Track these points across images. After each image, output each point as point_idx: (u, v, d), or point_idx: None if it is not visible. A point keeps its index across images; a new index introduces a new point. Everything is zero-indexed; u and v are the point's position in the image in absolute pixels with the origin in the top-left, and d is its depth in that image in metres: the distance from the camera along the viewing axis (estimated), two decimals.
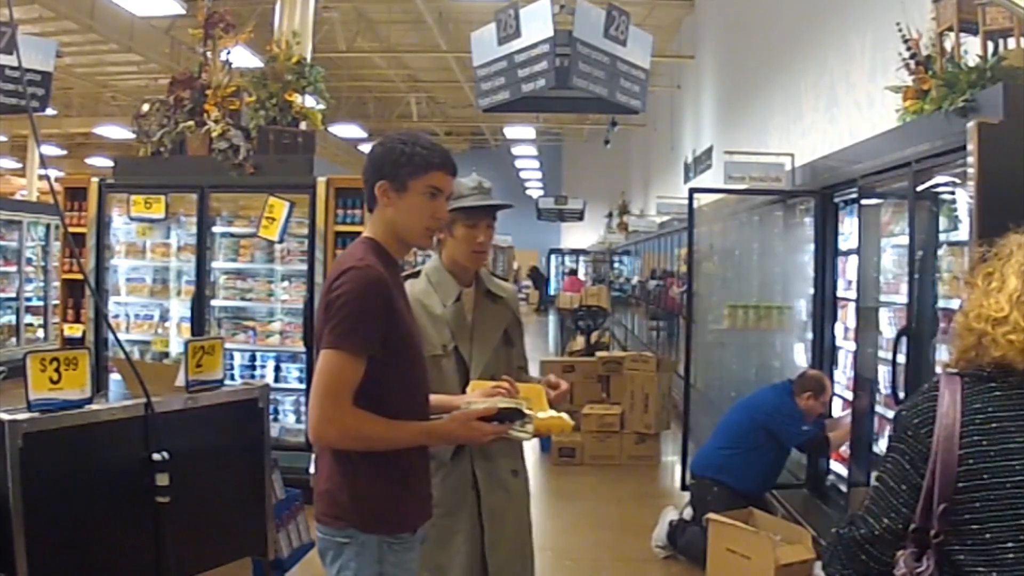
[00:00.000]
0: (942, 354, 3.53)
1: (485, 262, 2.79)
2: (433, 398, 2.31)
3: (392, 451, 2.11)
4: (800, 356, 5.58)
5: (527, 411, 2.22)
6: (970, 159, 3.06)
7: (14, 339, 10.99)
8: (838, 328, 5.00)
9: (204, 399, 3.01)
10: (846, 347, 4.89)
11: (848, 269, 4.75)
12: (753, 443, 4.72)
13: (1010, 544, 1.53)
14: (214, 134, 5.97)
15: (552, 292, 23.60)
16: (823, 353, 5.13)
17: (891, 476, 1.66)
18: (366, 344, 2.04)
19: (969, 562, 1.55)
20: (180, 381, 3.01)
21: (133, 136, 6.48)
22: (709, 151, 11.76)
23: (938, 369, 3.52)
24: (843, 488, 4.65)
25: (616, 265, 19.35)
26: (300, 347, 5.87)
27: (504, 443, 2.37)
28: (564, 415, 2.39)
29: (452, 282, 2.67)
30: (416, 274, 2.72)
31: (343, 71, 17.70)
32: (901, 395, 3.66)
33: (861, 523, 1.69)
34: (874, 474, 1.78)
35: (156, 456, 2.66)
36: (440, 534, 2.53)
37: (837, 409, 5.08)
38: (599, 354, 8.57)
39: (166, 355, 6.14)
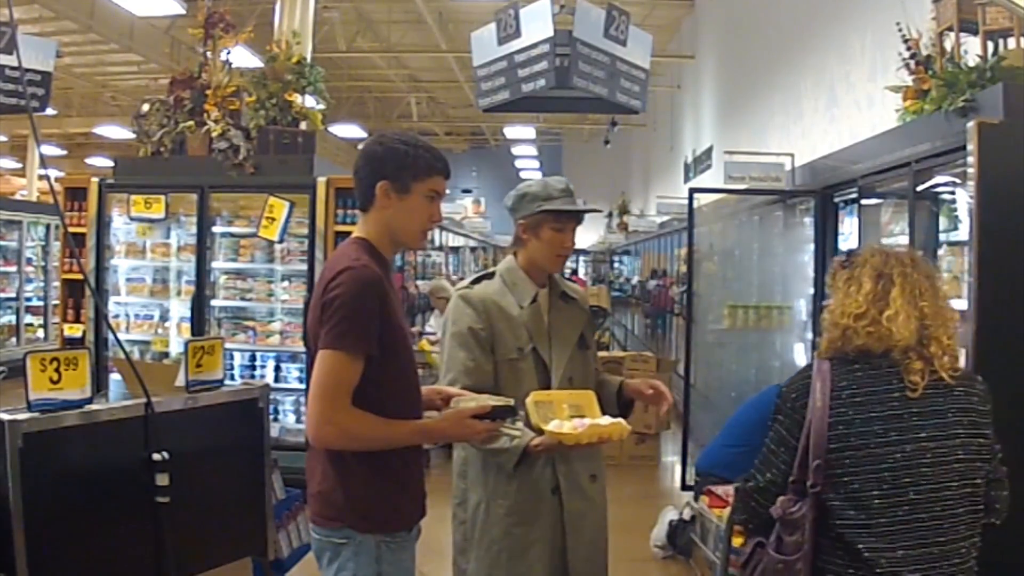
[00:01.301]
0: None
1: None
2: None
3: (386, 450, 2.11)
4: (800, 356, 5.57)
5: (521, 411, 2.23)
6: (970, 159, 3.05)
7: (14, 339, 11.00)
8: None
9: (204, 399, 3.01)
10: None
11: None
12: (762, 442, 4.71)
13: (875, 492, 1.93)
14: (214, 134, 5.97)
15: None
16: None
17: (773, 441, 2.11)
18: (364, 344, 2.04)
19: (841, 507, 1.95)
20: (180, 381, 3.01)
21: (133, 136, 6.49)
22: (709, 151, 11.76)
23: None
24: None
25: (616, 265, 19.35)
26: (300, 347, 5.86)
27: (583, 447, 2.33)
28: (622, 420, 2.35)
29: (529, 283, 2.63)
30: (490, 275, 2.68)
31: (343, 71, 17.70)
32: None
33: (751, 478, 2.13)
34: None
35: (156, 456, 2.66)
36: (515, 544, 2.50)
37: None
38: (599, 354, 8.58)
39: (166, 355, 6.14)
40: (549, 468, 2.53)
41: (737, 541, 2.70)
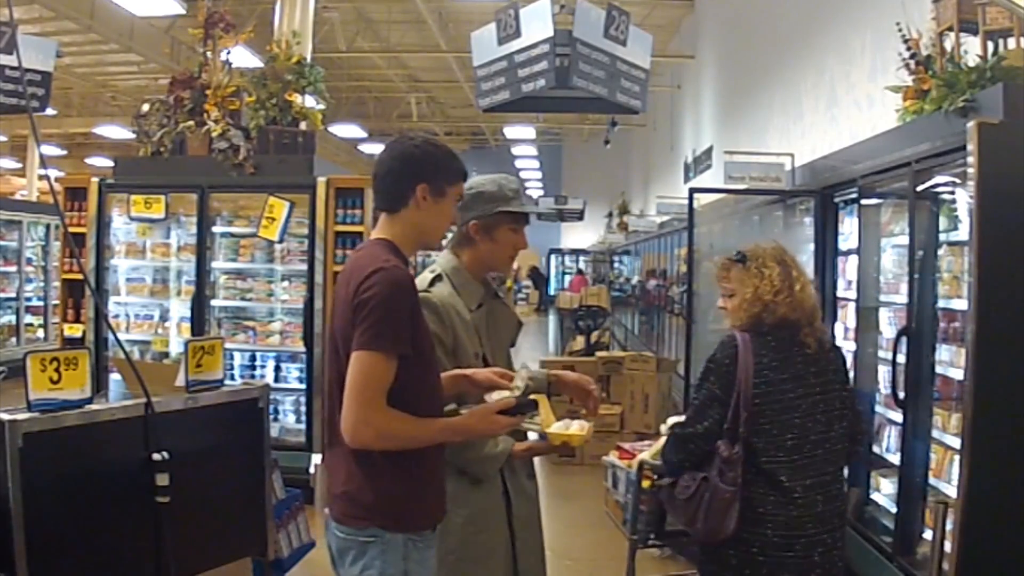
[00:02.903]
0: (942, 354, 3.53)
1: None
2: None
3: (414, 449, 2.12)
4: None
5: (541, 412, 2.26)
6: (970, 159, 3.05)
7: (14, 339, 10.98)
8: (838, 328, 4.98)
9: (204, 399, 3.01)
10: (846, 347, 4.87)
11: (848, 269, 4.74)
12: None
13: (788, 435, 2.53)
14: (214, 134, 5.97)
15: (552, 292, 23.58)
16: None
17: (707, 397, 2.60)
18: (398, 344, 2.05)
19: (763, 447, 2.53)
20: (180, 381, 3.01)
21: (133, 136, 6.48)
22: (709, 151, 11.76)
23: (939, 369, 3.54)
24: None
25: (616, 265, 19.34)
26: (300, 347, 5.86)
27: (576, 447, 2.37)
28: (583, 422, 2.34)
29: (476, 285, 2.59)
30: (439, 276, 2.60)
31: (343, 71, 17.69)
32: (901, 395, 3.66)
33: (688, 425, 2.64)
34: (692, 396, 2.76)
35: (156, 456, 2.65)
36: (476, 552, 2.47)
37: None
38: (599, 354, 8.57)
39: (166, 355, 6.14)
40: (498, 472, 2.52)
41: (645, 483, 3.27)
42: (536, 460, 2.74)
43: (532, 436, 2.45)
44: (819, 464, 2.54)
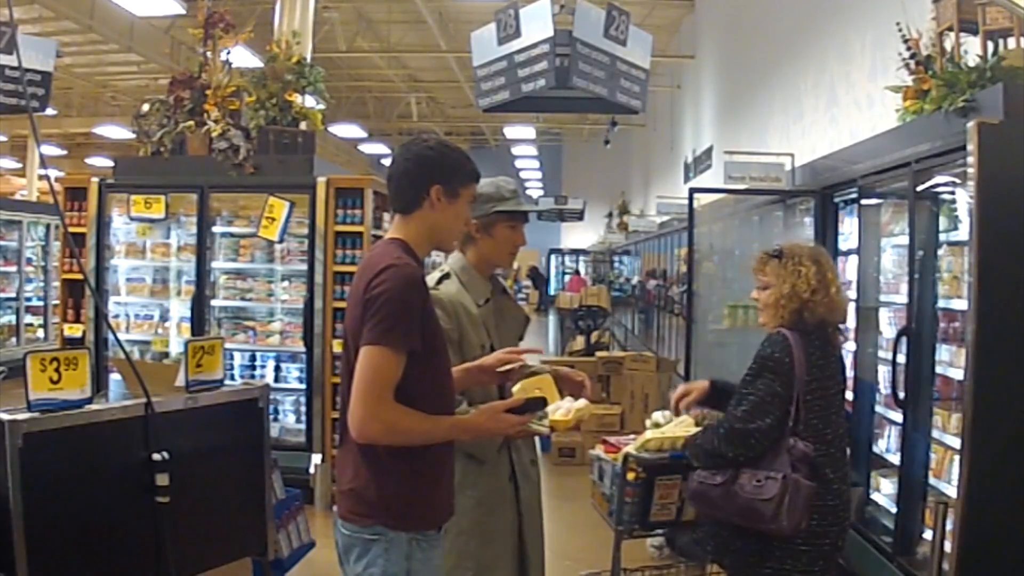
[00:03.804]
0: (942, 354, 3.53)
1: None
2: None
3: (421, 447, 2.12)
4: None
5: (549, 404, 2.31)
6: (970, 159, 3.05)
7: (14, 339, 10.97)
8: None
9: (204, 399, 3.02)
10: (846, 347, 4.88)
11: (848, 269, 4.74)
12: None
13: (828, 429, 2.67)
14: (214, 134, 5.96)
15: (552, 292, 23.56)
16: None
17: (766, 393, 2.64)
18: (408, 340, 2.06)
19: (811, 439, 2.64)
20: (180, 381, 3.01)
21: (133, 136, 6.48)
22: (709, 151, 11.77)
23: (939, 369, 3.54)
24: None
25: (616, 265, 19.35)
26: (300, 347, 5.86)
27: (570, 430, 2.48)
28: (583, 400, 2.44)
29: (482, 280, 2.71)
30: (447, 275, 2.72)
31: (343, 71, 17.70)
32: (901, 395, 3.66)
33: (748, 421, 2.65)
34: (747, 392, 2.70)
35: (156, 456, 2.66)
36: (485, 532, 2.58)
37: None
38: (599, 354, 8.57)
39: (166, 355, 6.14)
40: (506, 456, 2.64)
41: (631, 475, 3.34)
42: (539, 456, 2.86)
43: None
44: (844, 456, 2.74)
